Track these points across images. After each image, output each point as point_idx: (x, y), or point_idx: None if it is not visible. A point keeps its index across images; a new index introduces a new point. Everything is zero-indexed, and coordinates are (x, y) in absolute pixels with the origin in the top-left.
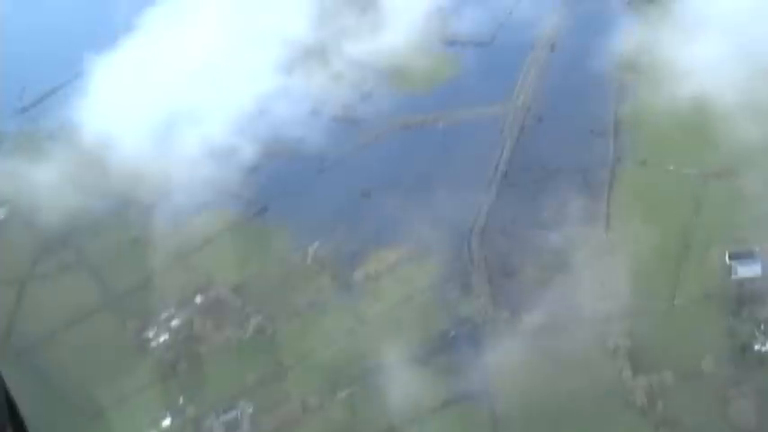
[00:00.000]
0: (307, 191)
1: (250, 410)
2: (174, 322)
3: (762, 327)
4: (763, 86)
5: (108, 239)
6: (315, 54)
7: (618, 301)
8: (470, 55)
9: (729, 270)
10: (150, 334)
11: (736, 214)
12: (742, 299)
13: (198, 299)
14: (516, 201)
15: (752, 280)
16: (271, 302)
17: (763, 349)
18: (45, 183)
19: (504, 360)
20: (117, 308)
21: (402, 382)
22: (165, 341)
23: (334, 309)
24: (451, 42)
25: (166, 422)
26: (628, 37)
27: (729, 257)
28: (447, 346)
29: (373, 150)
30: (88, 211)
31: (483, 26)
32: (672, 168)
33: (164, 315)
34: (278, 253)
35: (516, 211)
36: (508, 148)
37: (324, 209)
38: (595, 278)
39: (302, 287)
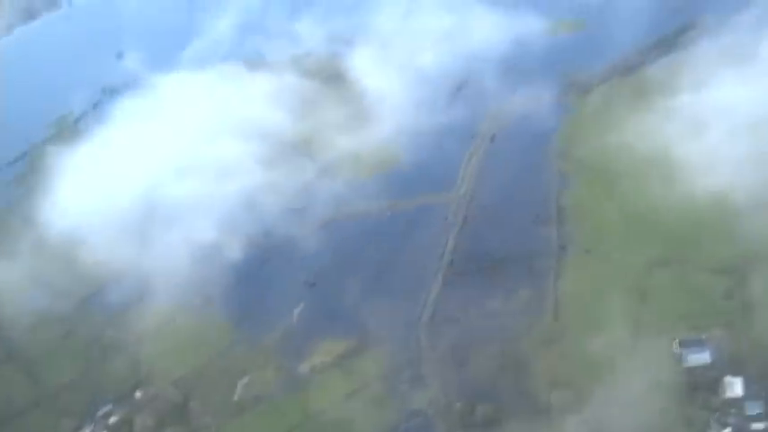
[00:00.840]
0: (252, 281)
1: None
2: (113, 419)
3: (716, 414)
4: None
5: (44, 333)
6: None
7: (570, 390)
8: (416, 144)
9: (680, 358)
10: None
11: (682, 302)
12: (694, 387)
13: (138, 394)
14: (463, 290)
15: (702, 367)
16: (214, 397)
17: None
18: None
19: None
20: (51, 405)
21: None
22: None
23: (280, 403)
24: (398, 132)
25: None
26: (568, 128)
27: (679, 345)
28: None
29: (320, 240)
30: (27, 305)
31: (427, 117)
32: (616, 257)
33: (101, 412)
34: (222, 346)
35: (464, 300)
36: (453, 236)
37: (270, 299)
38: (545, 367)
39: (246, 380)
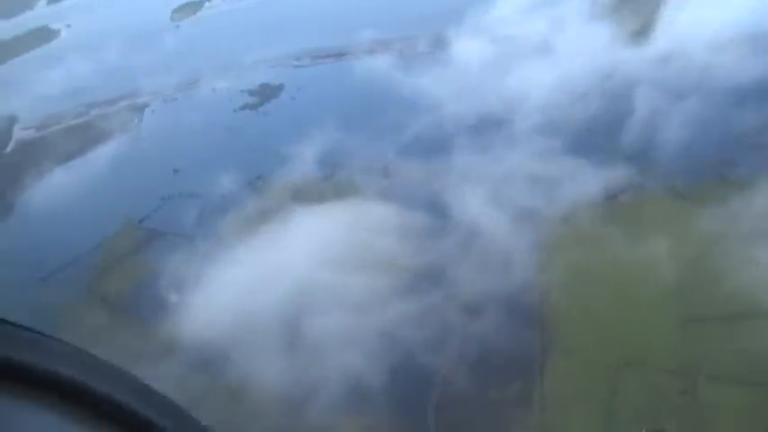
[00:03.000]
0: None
1: None
2: None
3: None
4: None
5: None
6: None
7: None
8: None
9: None
10: None
11: (646, 399)
12: None
13: None
14: (466, 384)
15: None
16: None
17: None
18: None
19: None
20: None
21: None
22: None
23: None
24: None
25: None
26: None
27: None
28: None
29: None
30: None
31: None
32: (589, 358)
33: None
34: None
35: (466, 391)
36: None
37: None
38: None
39: None
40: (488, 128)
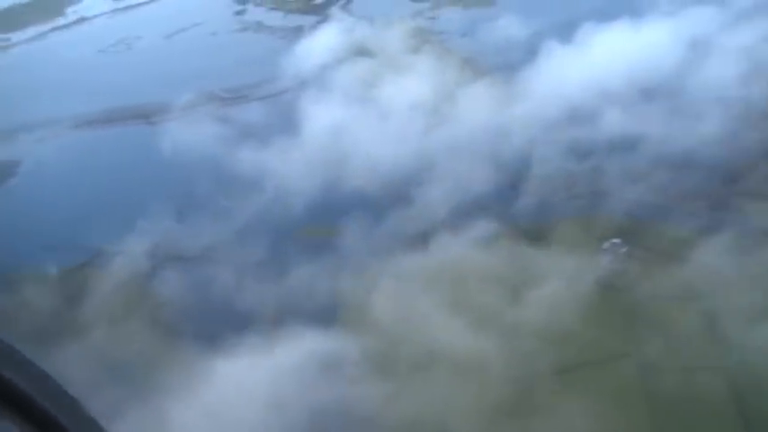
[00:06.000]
0: None
1: None
2: None
3: None
4: None
5: None
6: None
7: None
8: None
9: None
10: None
11: None
12: None
13: None
14: None
15: None
16: None
17: None
18: None
19: None
20: None
21: None
22: None
23: None
24: None
25: None
26: None
27: None
28: None
29: None
30: None
31: None
32: None
33: None
34: None
35: None
36: None
37: None
38: None
39: None
40: (384, 208)
